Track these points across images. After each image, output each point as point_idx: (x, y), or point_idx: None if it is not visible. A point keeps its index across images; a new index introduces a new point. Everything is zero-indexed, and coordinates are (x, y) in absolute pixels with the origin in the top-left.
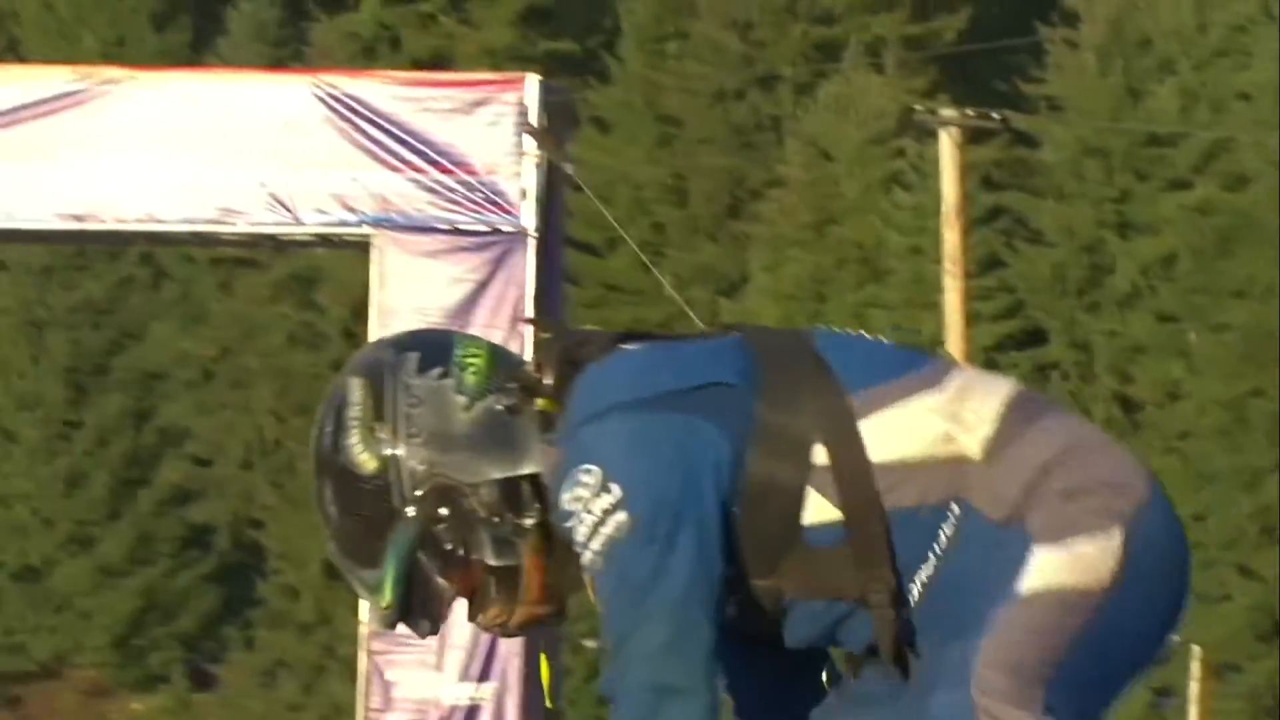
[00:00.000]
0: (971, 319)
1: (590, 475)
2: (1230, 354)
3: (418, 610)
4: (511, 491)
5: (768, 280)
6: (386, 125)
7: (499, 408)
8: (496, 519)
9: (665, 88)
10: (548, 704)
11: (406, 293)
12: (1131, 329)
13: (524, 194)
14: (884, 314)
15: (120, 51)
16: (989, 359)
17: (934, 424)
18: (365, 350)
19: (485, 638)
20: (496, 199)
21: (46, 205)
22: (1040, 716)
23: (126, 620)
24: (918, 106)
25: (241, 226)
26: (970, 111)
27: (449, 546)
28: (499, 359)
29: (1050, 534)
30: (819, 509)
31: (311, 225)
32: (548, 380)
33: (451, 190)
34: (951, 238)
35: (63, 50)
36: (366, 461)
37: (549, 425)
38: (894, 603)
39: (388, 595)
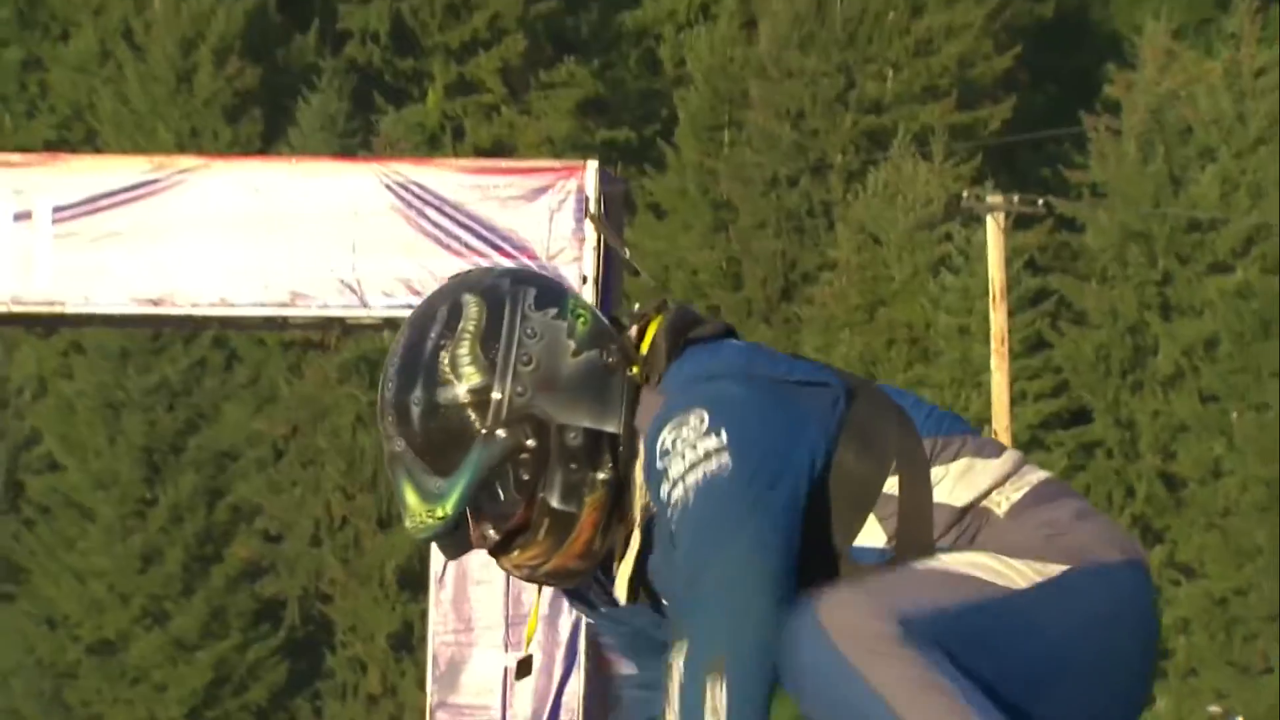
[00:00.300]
0: (1017, 398)
1: (697, 417)
2: (1271, 433)
3: (460, 532)
4: (593, 444)
5: (820, 360)
6: (451, 211)
7: (601, 363)
8: (574, 465)
9: (719, 175)
10: (525, 648)
11: None
12: (1174, 408)
13: (584, 278)
14: (932, 393)
15: (194, 143)
16: (1034, 437)
17: (982, 483)
18: (476, 274)
19: (546, 710)
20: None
21: (124, 290)
22: (890, 621)
23: (200, 692)
24: (965, 193)
25: (311, 310)
26: (1015, 197)
27: (525, 477)
28: (600, 321)
29: (1005, 550)
30: (872, 533)
31: (379, 309)
32: (655, 350)
33: None
34: (998, 319)
35: (139, 142)
36: (473, 374)
37: (638, 391)
38: None
39: (451, 506)
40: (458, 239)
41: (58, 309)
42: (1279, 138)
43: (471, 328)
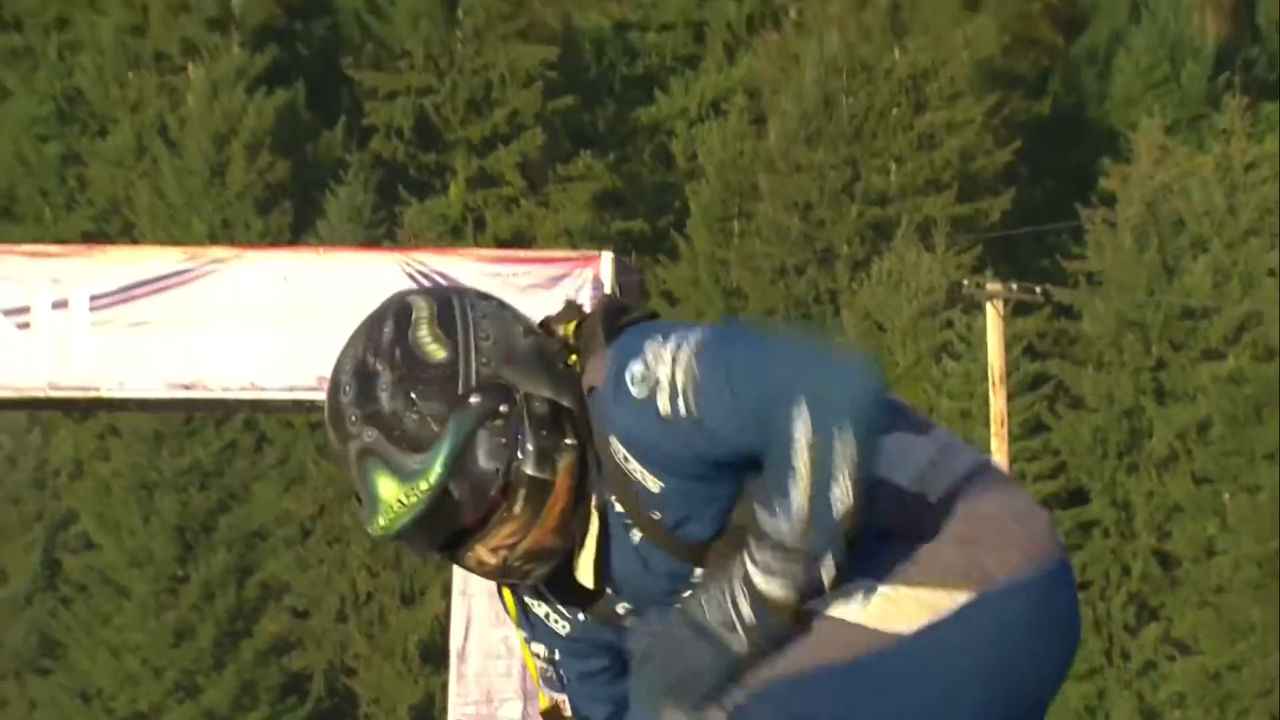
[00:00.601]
0: (1017, 478)
1: (656, 341)
2: (1263, 514)
3: (435, 516)
4: (556, 414)
5: None
6: None
7: (548, 344)
8: (544, 431)
9: (730, 264)
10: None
11: None
12: (1169, 489)
13: None
14: None
15: (226, 233)
16: None
17: (917, 459)
18: (406, 290)
19: None
20: None
21: (158, 375)
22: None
23: None
24: (966, 281)
25: None
26: (1015, 286)
27: (502, 441)
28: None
29: (900, 574)
30: None
31: None
32: (591, 337)
33: None
34: (998, 403)
35: (173, 233)
36: (436, 350)
37: (579, 380)
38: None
39: (434, 475)
40: None
41: (94, 393)
42: (1269, 229)
43: (425, 315)
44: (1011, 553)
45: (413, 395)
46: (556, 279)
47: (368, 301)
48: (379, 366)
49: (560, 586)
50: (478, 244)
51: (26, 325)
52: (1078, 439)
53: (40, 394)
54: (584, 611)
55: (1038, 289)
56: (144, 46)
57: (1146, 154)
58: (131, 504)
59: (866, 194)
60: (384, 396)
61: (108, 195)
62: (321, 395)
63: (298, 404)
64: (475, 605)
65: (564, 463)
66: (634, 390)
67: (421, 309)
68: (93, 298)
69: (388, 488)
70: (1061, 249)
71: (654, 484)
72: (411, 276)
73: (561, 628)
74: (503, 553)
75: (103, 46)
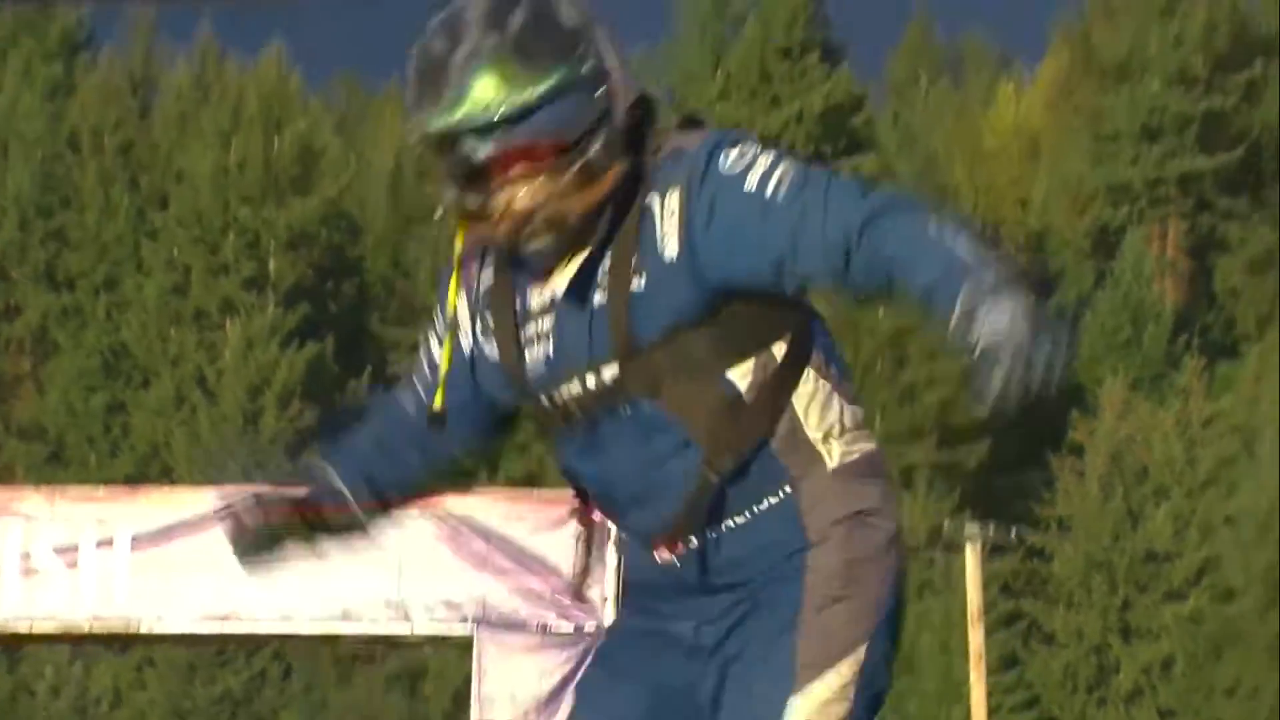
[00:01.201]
0: (994, 710)
1: (755, 142)
2: None
3: (514, 131)
4: (626, 138)
5: None
6: (488, 538)
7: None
8: (616, 135)
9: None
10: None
11: (503, 684)
12: None
13: (604, 599)
14: (918, 703)
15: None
16: None
17: (830, 419)
18: None
19: None
20: (581, 603)
21: (193, 610)
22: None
23: None
24: (945, 524)
25: (362, 628)
26: (991, 529)
27: (589, 113)
28: None
29: (803, 677)
30: (742, 374)
31: (422, 627)
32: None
33: (542, 595)
34: (976, 639)
35: (209, 475)
36: (574, 16)
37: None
38: (721, 474)
39: (538, 92)
40: (493, 563)
41: (134, 628)
42: (1225, 480)
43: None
44: (878, 590)
45: (541, 29)
46: (566, 518)
47: (389, 540)
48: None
49: (523, 289)
50: (492, 484)
51: (74, 564)
52: (1049, 674)
53: (84, 629)
54: (510, 342)
55: (1012, 532)
56: (185, 306)
57: (1111, 409)
58: None
59: None
60: (517, 17)
61: (148, 441)
62: (346, 628)
63: (324, 638)
64: None
65: (617, 168)
66: (728, 159)
67: None
68: (134, 538)
69: (492, 84)
70: (1034, 495)
71: (671, 250)
72: (433, 517)
73: (468, 347)
74: (529, 205)
75: (147, 305)
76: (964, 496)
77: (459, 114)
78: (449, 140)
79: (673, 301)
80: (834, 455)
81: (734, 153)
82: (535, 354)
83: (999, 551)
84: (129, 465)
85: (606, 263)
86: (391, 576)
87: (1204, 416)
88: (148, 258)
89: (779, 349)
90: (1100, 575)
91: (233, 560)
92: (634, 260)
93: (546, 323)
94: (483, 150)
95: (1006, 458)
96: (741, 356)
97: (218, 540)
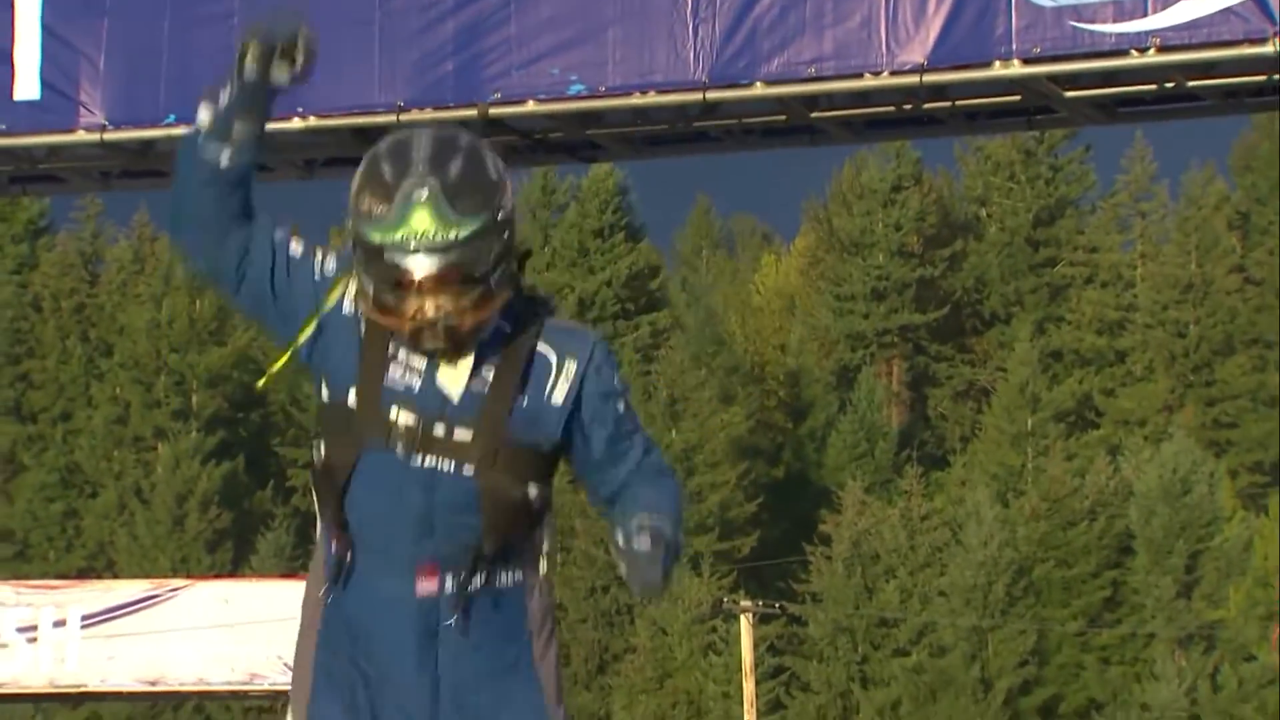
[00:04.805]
0: None
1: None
2: None
3: (452, 256)
4: (514, 275)
5: (625, 718)
6: None
7: None
8: (511, 271)
9: (554, 585)
10: (260, 384)
11: None
12: None
13: None
14: None
15: (184, 567)
16: None
17: (551, 544)
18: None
19: None
20: None
21: (129, 674)
22: None
23: None
24: (725, 598)
25: (265, 685)
26: (760, 602)
27: (502, 249)
28: None
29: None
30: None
31: None
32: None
33: None
34: (749, 688)
35: (145, 566)
36: (494, 170)
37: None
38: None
39: (468, 229)
40: None
41: (83, 688)
42: (938, 563)
43: (490, 150)
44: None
45: (472, 179)
46: None
47: (290, 616)
48: (462, 143)
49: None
50: None
51: (35, 639)
52: (806, 715)
53: (42, 690)
54: (379, 350)
55: (776, 604)
56: (125, 432)
57: (852, 507)
58: None
59: None
60: (455, 165)
61: (97, 540)
62: (252, 687)
63: (234, 694)
64: None
65: (505, 294)
66: (617, 376)
67: (487, 146)
68: (84, 617)
69: (422, 220)
70: (793, 574)
71: (558, 399)
72: None
73: (328, 306)
74: (435, 315)
75: (95, 432)
76: (739, 576)
77: (397, 236)
78: (381, 249)
79: (543, 429)
80: (542, 568)
81: (619, 373)
82: (399, 375)
83: (766, 619)
84: (80, 560)
85: (496, 360)
86: (288, 643)
87: (922, 513)
88: (96, 395)
89: (551, 485)
90: (844, 637)
91: (163, 635)
92: (522, 381)
93: (419, 361)
94: (409, 267)
95: (771, 545)
96: (540, 479)
97: (151, 618)
